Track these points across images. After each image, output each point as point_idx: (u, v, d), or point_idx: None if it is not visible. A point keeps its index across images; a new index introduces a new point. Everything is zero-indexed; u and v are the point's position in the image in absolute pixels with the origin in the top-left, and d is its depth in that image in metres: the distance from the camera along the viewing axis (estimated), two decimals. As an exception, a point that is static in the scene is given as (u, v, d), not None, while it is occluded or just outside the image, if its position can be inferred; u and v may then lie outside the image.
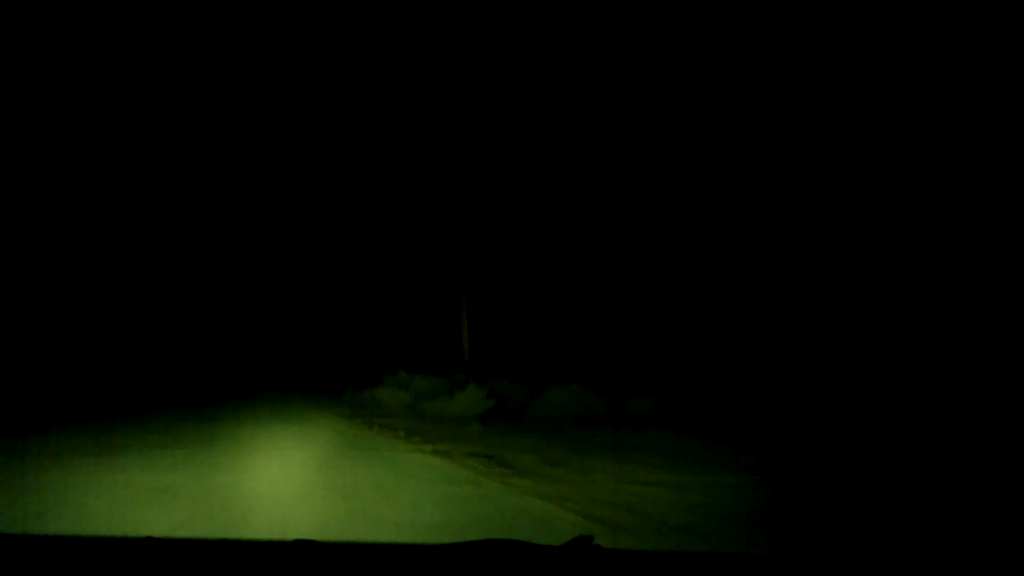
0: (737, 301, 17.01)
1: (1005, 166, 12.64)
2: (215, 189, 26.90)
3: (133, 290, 24.22)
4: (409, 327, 27.59)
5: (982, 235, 12.79)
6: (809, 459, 8.41)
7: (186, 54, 23.32)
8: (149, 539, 1.92)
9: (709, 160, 18.07)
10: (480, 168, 21.60)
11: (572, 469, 7.79)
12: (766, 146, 16.77)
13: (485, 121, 21.21)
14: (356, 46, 23.36)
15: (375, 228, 26.92)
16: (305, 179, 28.27)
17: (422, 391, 17.29)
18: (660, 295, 18.87)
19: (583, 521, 5.25)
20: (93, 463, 7.84)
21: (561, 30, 19.84)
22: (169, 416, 14.41)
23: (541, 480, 7.08)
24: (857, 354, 13.42)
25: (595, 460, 8.46)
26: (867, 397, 11.88)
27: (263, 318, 31.10)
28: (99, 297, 22.21)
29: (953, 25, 13.13)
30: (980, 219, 12.87)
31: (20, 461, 8.10)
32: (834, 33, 15.11)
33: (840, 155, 15.23)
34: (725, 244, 17.62)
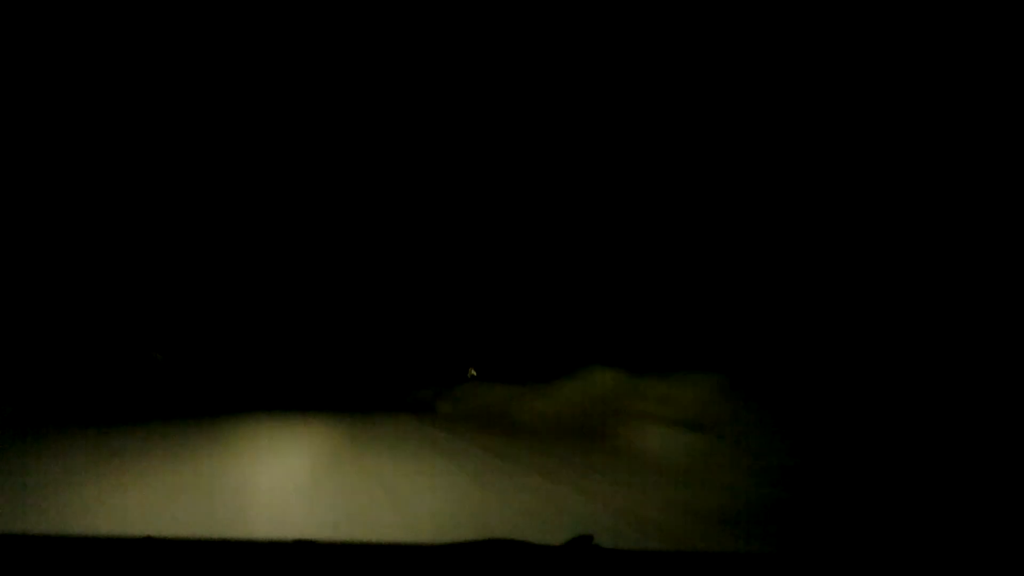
0: (735, 300, 17.00)
1: (1005, 166, 12.63)
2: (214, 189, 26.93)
3: (132, 291, 24.22)
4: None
5: (983, 235, 12.78)
6: (809, 459, 8.39)
7: (186, 54, 23.33)
8: (149, 539, 1.92)
9: (708, 162, 18.07)
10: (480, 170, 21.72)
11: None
12: (765, 148, 16.76)
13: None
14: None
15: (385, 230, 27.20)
16: (303, 180, 28.32)
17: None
18: (662, 289, 18.84)
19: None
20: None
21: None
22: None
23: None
24: (858, 353, 13.41)
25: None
26: (869, 397, 11.88)
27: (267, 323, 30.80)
28: (97, 296, 22.21)
29: (953, 25, 13.13)
30: (981, 219, 12.86)
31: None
32: (834, 33, 15.11)
33: (840, 155, 15.23)
34: (725, 243, 17.62)
